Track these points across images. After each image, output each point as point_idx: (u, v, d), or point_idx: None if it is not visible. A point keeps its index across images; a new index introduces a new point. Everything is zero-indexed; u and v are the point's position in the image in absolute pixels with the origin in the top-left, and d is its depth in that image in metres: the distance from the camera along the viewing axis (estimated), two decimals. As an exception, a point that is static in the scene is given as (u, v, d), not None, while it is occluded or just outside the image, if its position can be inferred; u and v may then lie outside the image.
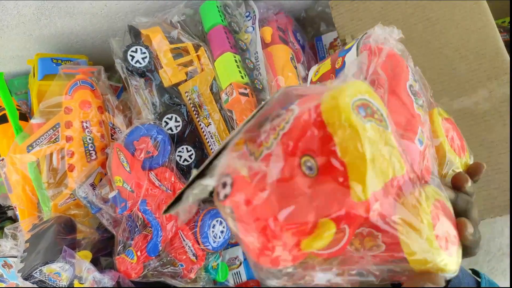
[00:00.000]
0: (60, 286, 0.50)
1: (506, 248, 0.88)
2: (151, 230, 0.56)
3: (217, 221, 0.58)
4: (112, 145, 0.57)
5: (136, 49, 0.58)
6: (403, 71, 0.33)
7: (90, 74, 0.63)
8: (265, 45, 0.62)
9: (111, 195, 0.55)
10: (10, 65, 0.75)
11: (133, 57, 0.58)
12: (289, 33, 0.68)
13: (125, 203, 0.55)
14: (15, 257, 0.55)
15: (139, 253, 0.54)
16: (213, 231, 0.57)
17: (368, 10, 0.63)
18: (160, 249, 0.55)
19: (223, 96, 0.57)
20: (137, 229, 0.57)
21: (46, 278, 0.49)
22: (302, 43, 0.72)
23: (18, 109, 0.65)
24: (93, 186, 0.59)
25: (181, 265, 0.57)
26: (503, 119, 0.55)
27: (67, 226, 0.57)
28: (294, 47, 0.67)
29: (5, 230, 0.56)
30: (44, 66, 0.66)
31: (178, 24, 0.62)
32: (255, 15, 0.63)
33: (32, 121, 0.61)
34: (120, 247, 0.56)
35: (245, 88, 0.56)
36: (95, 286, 0.50)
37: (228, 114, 0.58)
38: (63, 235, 0.54)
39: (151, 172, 0.56)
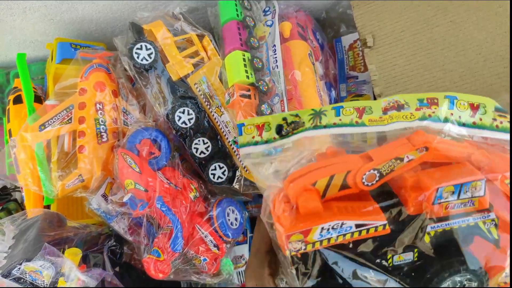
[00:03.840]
0: (42, 284, 0.48)
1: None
2: (169, 229, 0.55)
3: (230, 209, 0.58)
4: (115, 151, 0.57)
5: (141, 45, 0.57)
6: None
7: (107, 61, 0.63)
8: (283, 40, 0.62)
9: (125, 198, 0.54)
10: (28, 49, 0.75)
11: (138, 54, 0.57)
12: (308, 31, 0.68)
13: (143, 202, 0.54)
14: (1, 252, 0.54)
15: (164, 251, 0.53)
16: (228, 219, 0.57)
17: (390, 11, 0.63)
18: (183, 243, 0.55)
19: (226, 96, 0.56)
20: (154, 232, 0.57)
21: (26, 276, 0.47)
22: (321, 42, 0.71)
23: (34, 92, 0.65)
24: (104, 196, 0.58)
25: (204, 259, 0.56)
26: (527, 125, 0.53)
27: (53, 223, 0.56)
28: (313, 44, 0.66)
29: None
30: (63, 50, 0.66)
31: (181, 16, 0.61)
32: (274, 10, 0.63)
33: (47, 102, 0.61)
34: (143, 251, 0.56)
35: (248, 90, 0.55)
36: (79, 286, 0.48)
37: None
38: (47, 231, 0.53)
39: (159, 172, 0.57)
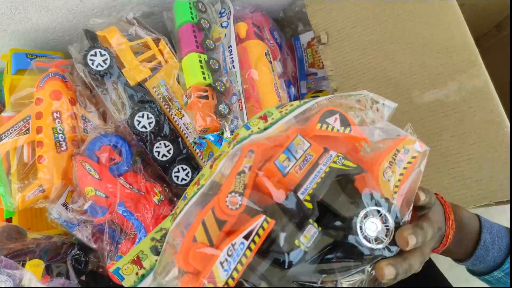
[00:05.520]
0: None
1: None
2: (133, 234, 0.55)
3: None
4: (74, 159, 0.56)
5: (96, 52, 0.57)
6: None
7: (64, 69, 0.63)
8: (240, 40, 0.63)
9: (86, 206, 0.54)
10: (-16, 62, 0.74)
11: (93, 61, 0.57)
12: (266, 31, 0.69)
13: (103, 208, 0.54)
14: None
15: None
16: None
17: (342, 8, 0.65)
18: None
19: (184, 98, 0.57)
20: (118, 238, 0.56)
21: None
22: (279, 41, 0.73)
23: (-10, 105, 0.64)
24: (65, 205, 0.58)
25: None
26: (473, 111, 0.55)
27: (11, 235, 0.55)
28: (270, 44, 0.68)
29: None
30: (18, 60, 0.65)
31: (135, 21, 0.62)
32: (230, 11, 0.64)
33: (3, 114, 0.60)
34: (107, 258, 0.55)
35: (205, 91, 0.56)
36: None
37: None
38: (6, 244, 0.52)
39: (120, 177, 0.57)
